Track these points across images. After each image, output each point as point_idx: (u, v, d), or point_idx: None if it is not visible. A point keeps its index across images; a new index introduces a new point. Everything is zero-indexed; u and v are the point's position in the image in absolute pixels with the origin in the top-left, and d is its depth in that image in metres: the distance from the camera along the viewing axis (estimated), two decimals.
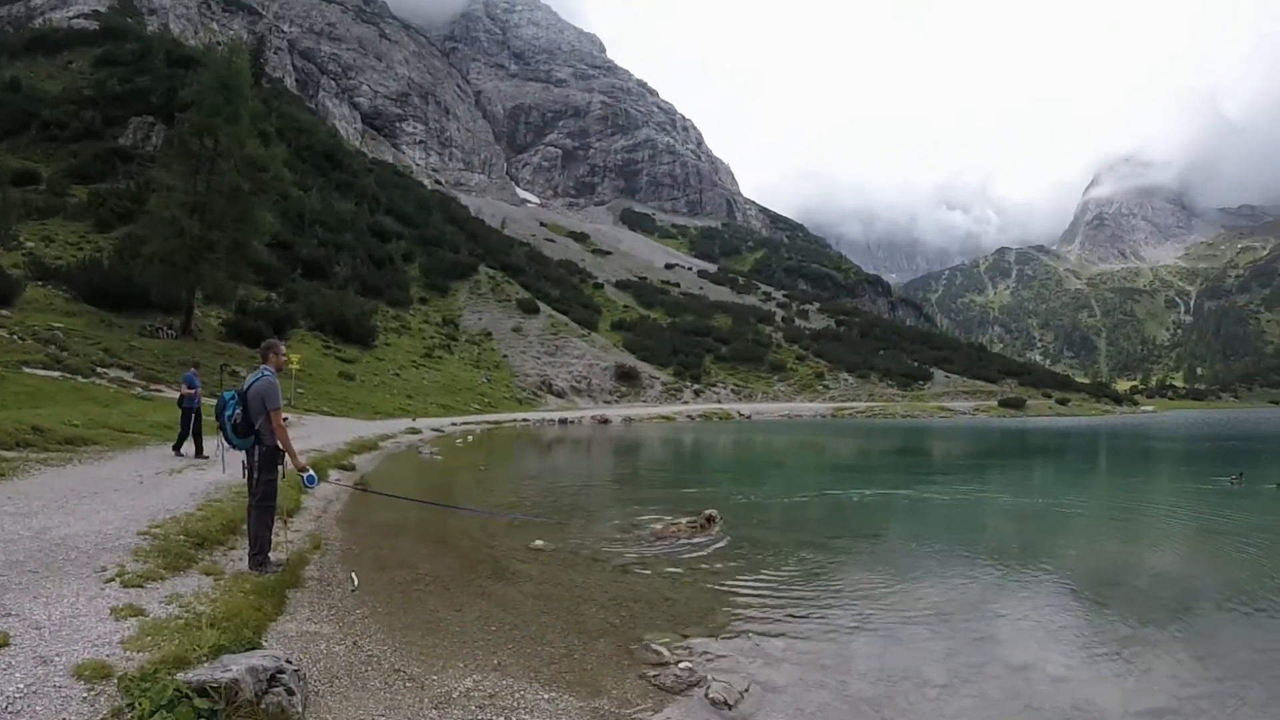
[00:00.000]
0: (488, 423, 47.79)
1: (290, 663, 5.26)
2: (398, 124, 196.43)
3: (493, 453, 31.06)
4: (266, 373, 8.25)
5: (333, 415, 38.92)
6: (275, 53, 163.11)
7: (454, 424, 43.39)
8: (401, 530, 12.37)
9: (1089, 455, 37.47)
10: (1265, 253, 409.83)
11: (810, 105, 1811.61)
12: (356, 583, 8.44)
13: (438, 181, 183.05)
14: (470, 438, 36.67)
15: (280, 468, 8.31)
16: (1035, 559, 11.77)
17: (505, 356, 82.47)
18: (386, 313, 77.35)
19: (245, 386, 8.18)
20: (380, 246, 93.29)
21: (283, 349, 8.79)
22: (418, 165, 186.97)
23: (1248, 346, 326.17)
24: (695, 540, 12.31)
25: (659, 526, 13.40)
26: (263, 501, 8.17)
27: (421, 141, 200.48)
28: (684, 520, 13.62)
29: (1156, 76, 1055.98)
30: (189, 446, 17.81)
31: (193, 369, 19.53)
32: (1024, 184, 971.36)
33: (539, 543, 11.29)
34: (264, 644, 5.90)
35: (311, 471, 8.45)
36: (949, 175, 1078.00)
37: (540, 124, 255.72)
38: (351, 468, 19.84)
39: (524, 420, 53.30)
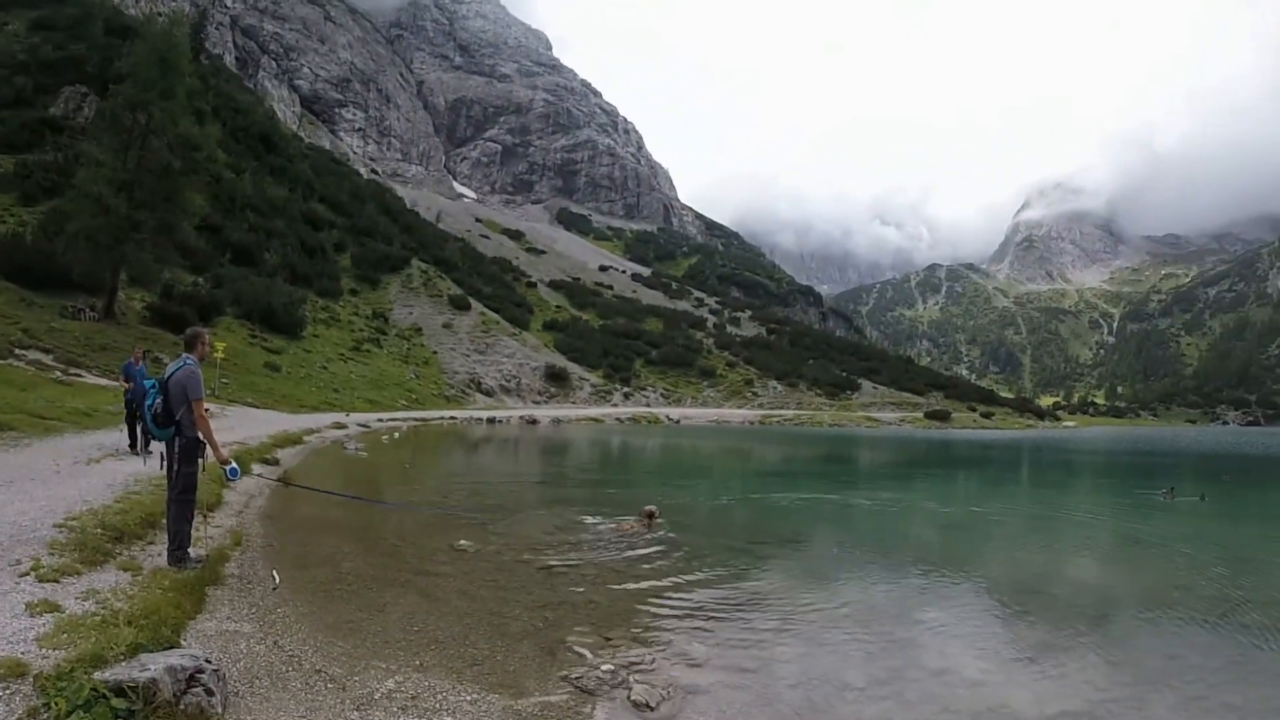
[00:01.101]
0: (415, 420, 47.36)
1: (210, 662, 5.16)
2: (337, 110, 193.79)
3: (419, 450, 30.81)
4: (189, 361, 8.00)
5: (257, 407, 38.24)
6: (217, 28, 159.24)
7: (381, 420, 42.87)
8: (325, 528, 12.12)
9: (1012, 467, 38.18)
10: (1187, 280, 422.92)
11: (752, 114, 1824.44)
12: (278, 581, 8.30)
13: (374, 171, 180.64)
14: (397, 434, 36.32)
15: (201, 460, 8.09)
16: (957, 566, 12.00)
17: (435, 353, 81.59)
18: (316, 303, 75.80)
19: (166, 375, 7.98)
20: (312, 235, 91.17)
21: (208, 338, 8.63)
22: (355, 153, 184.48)
23: (1167, 368, 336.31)
24: (639, 538, 12.60)
25: (613, 525, 13.68)
26: (182, 495, 7.94)
27: (360, 129, 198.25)
28: (632, 519, 14.03)
29: (1092, 114, 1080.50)
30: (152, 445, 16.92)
31: (137, 359, 18.13)
32: (957, 204, 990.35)
33: (464, 543, 11.17)
34: (183, 643, 5.78)
35: (234, 464, 8.32)
36: (885, 191, 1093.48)
37: (481, 118, 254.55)
38: (275, 462, 19.45)
39: (452, 418, 53.05)
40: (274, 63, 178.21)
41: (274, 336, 59.47)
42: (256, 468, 16.57)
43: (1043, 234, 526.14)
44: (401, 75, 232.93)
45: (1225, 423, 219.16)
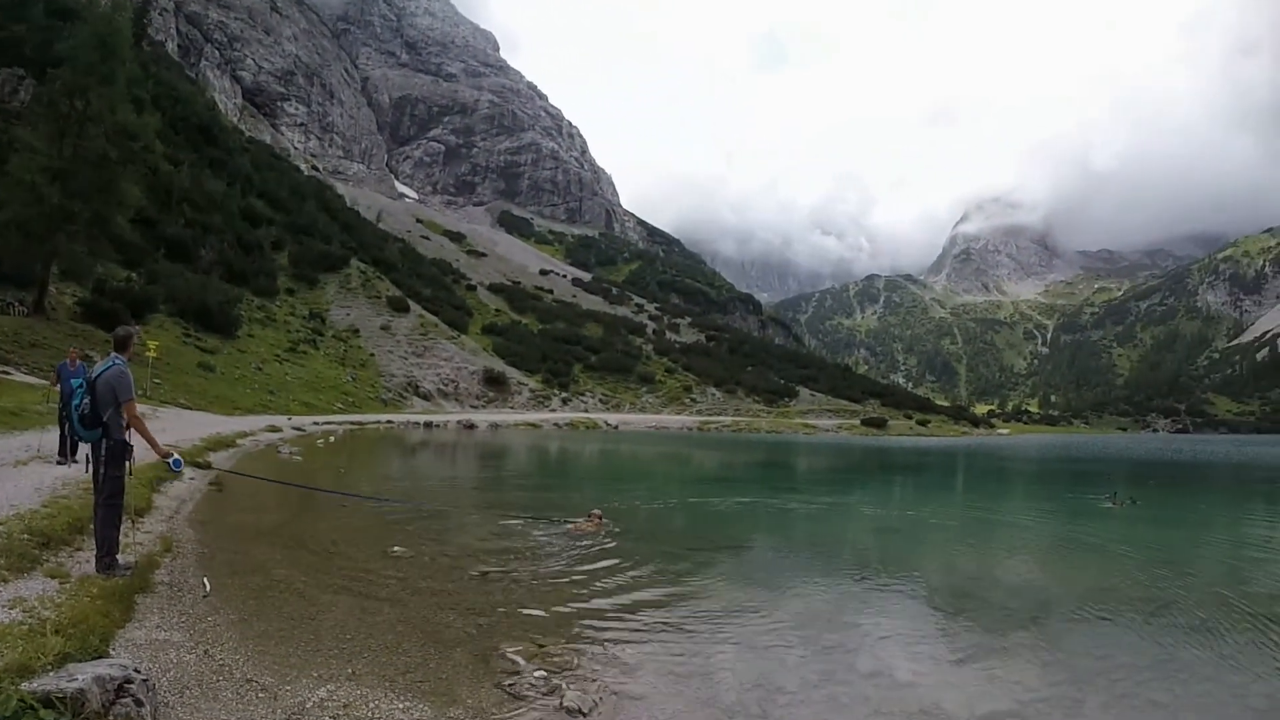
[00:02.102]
0: (351, 423, 47.07)
1: (139, 672, 5.09)
2: (279, 103, 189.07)
3: (354, 455, 30.62)
4: (118, 361, 7.83)
5: (190, 409, 37.59)
6: (160, 14, 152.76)
7: (316, 423, 42.54)
8: (256, 533, 12.05)
9: (947, 473, 38.98)
10: (1120, 294, 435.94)
11: (695, 123, 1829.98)
12: (208, 588, 8.21)
13: (315, 168, 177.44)
14: (332, 438, 36.10)
15: (128, 463, 7.94)
16: (893, 570, 12.21)
17: (372, 355, 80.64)
18: (251, 302, 74.54)
19: (94, 375, 7.81)
20: (250, 231, 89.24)
21: (136, 338, 8.46)
22: (296, 149, 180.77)
23: (1099, 378, 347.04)
24: (574, 543, 12.75)
25: (571, 526, 14.00)
26: (109, 499, 7.71)
27: (302, 124, 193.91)
28: (582, 519, 14.32)
29: (1031, 132, 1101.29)
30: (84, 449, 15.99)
31: (73, 361, 15.72)
32: (897, 215, 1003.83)
33: (398, 549, 11.17)
34: (112, 652, 5.72)
35: (177, 455, 8.31)
36: (826, 201, 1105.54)
37: (426, 117, 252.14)
38: (208, 466, 19.11)
39: (389, 422, 52.74)
40: (217, 52, 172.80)
41: (208, 336, 58.45)
42: (189, 472, 16.24)
43: (980, 247, 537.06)
44: (346, 70, 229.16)
45: (1155, 430, 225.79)
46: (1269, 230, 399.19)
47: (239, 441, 27.05)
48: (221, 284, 69.70)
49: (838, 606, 9.69)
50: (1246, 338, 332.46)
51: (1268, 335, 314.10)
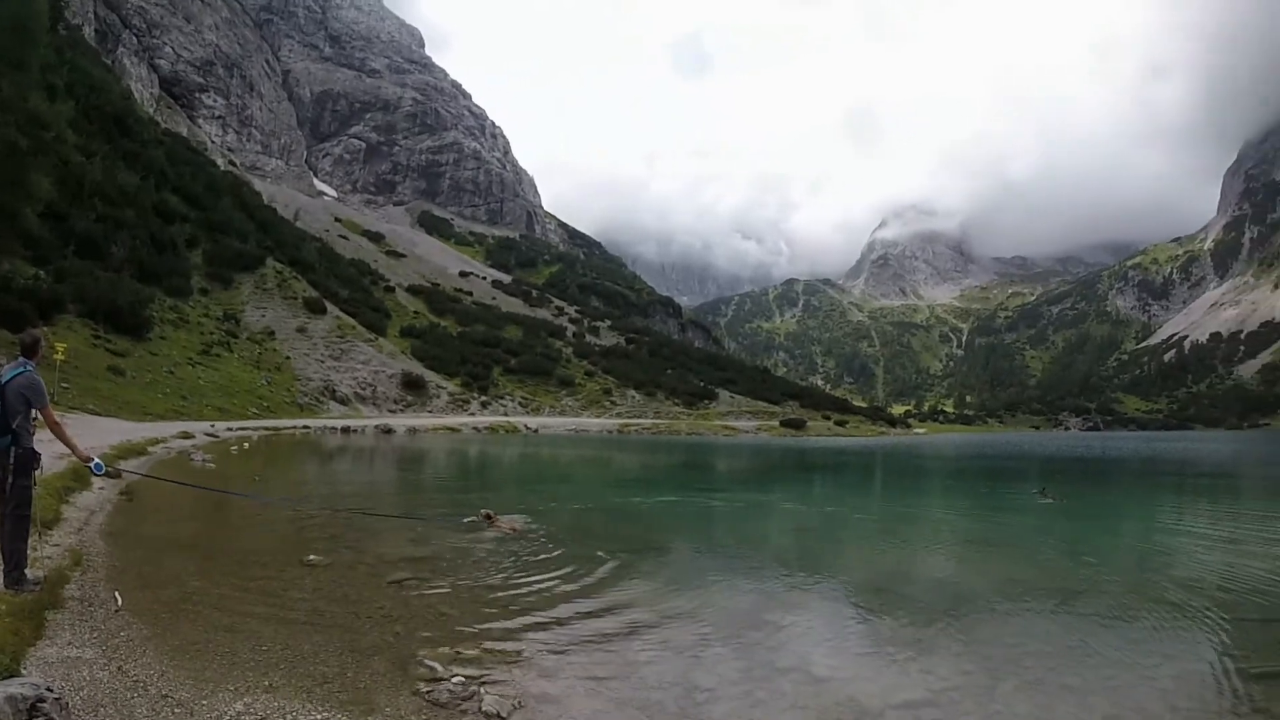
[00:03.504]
0: (266, 429, 46.51)
1: (51, 691, 5.09)
2: (198, 95, 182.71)
3: (270, 462, 30.47)
4: (29, 367, 7.69)
5: (100, 415, 36.70)
6: None
7: (230, 429, 41.92)
8: (170, 545, 11.86)
9: (865, 472, 39.91)
10: (1033, 298, 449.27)
11: (616, 126, 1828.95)
12: (120, 603, 8.00)
13: (232, 163, 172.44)
14: (247, 444, 35.60)
15: (35, 473, 7.79)
16: (812, 568, 12.57)
17: (288, 358, 78.96)
18: (164, 302, 72.34)
19: (3, 381, 7.59)
20: (163, 228, 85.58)
21: (44, 343, 8.34)
22: (213, 142, 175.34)
23: (1012, 379, 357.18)
24: (488, 546, 12.89)
25: (501, 523, 14.38)
26: (18, 510, 7.52)
27: (220, 117, 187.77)
28: (474, 518, 14.67)
29: (949, 143, 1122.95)
30: None
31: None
32: (817, 221, 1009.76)
33: (314, 558, 11.01)
34: (23, 671, 5.63)
35: (98, 459, 8.37)
36: (747, 206, 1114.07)
37: (347, 113, 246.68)
38: (118, 475, 19.06)
39: (305, 427, 52.15)
40: (135, 39, 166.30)
41: (119, 338, 56.84)
42: (99, 482, 15.89)
43: (898, 252, 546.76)
44: (268, 63, 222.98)
45: (1067, 429, 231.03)
46: (1176, 240, 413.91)
47: (151, 449, 26.53)
48: (133, 283, 67.29)
49: (758, 605, 9.86)
50: (1154, 340, 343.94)
51: (1174, 338, 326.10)
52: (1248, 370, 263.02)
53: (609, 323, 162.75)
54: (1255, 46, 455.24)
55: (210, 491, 16.88)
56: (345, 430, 53.75)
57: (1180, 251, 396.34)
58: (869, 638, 8.63)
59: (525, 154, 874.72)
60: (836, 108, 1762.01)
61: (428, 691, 6.28)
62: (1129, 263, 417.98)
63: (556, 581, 10.52)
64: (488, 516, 14.59)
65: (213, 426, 41.18)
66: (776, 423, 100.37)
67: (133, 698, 5.73)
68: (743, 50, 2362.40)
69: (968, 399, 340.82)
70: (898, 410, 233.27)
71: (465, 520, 14.82)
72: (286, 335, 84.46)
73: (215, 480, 21.21)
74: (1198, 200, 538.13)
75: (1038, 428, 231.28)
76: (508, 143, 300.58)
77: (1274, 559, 13.83)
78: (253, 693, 5.97)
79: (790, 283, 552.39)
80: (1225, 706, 6.72)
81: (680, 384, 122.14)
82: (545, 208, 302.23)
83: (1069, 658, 7.95)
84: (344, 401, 75.62)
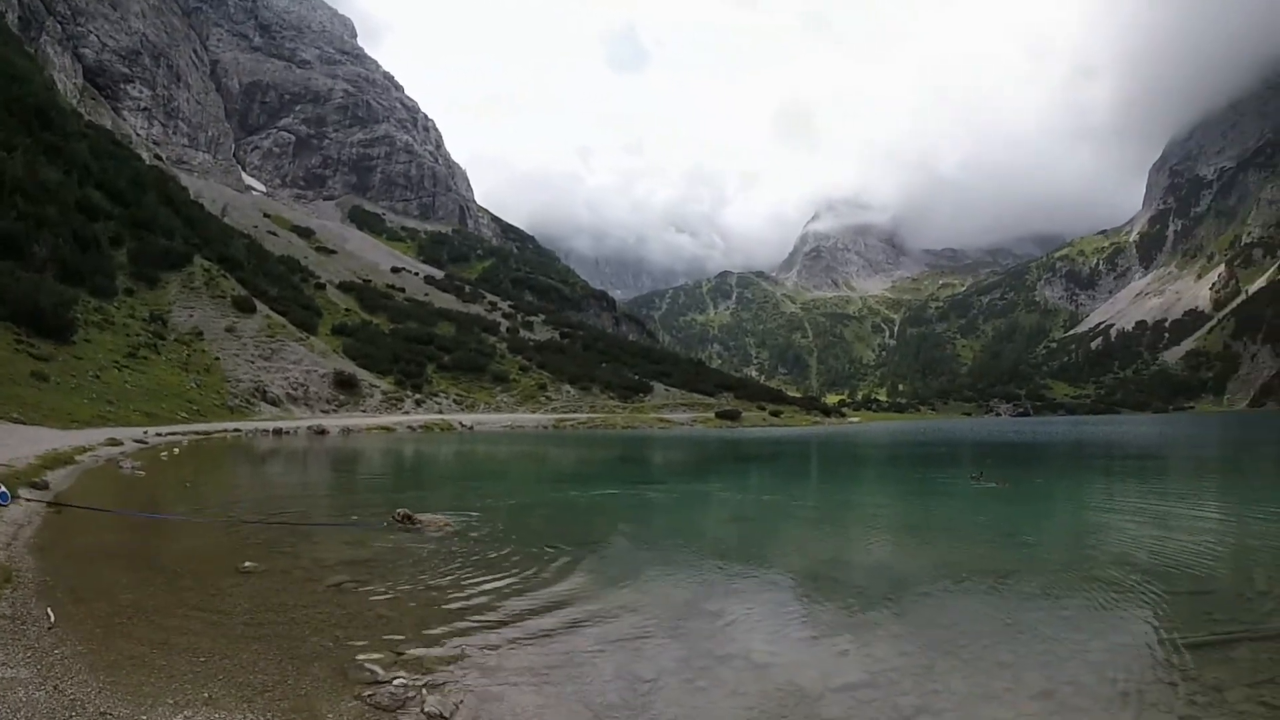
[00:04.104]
0: (196, 433, 45.49)
1: None
2: (123, 85, 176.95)
3: (201, 467, 29.96)
4: None
5: (24, 423, 35.85)
6: None
7: (159, 434, 40.90)
8: (102, 557, 11.54)
9: (801, 461, 40.20)
10: (963, 289, 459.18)
11: (552, 121, 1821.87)
12: (53, 619, 7.83)
13: (158, 157, 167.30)
14: (177, 450, 34.83)
15: None
16: (751, 557, 12.69)
17: (217, 359, 77.05)
18: (88, 304, 69.91)
19: None
20: (87, 226, 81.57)
21: None
22: (138, 135, 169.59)
23: (944, 367, 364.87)
24: (426, 547, 12.71)
25: (423, 521, 14.20)
26: None
27: (146, 109, 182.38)
28: (387, 522, 14.29)
29: (882, 138, 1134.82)
30: None
31: None
32: (750, 214, 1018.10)
33: (249, 564, 10.78)
34: None
35: (3, 488, 8.10)
36: (680, 199, 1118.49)
37: (277, 105, 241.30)
38: (45, 485, 18.07)
39: (236, 430, 51.26)
40: (59, 26, 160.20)
41: (42, 342, 54.99)
42: (25, 493, 15.43)
43: (830, 245, 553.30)
44: (195, 52, 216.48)
45: (998, 414, 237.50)
46: (1102, 232, 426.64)
47: (78, 458, 25.92)
48: (56, 284, 64.91)
49: (698, 595, 9.92)
50: (1081, 328, 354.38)
51: (1101, 326, 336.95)
52: (1172, 356, 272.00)
53: (543, 317, 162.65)
54: (1180, 49, 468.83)
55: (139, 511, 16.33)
56: (277, 432, 53.16)
57: (1106, 244, 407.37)
58: (808, 623, 8.78)
59: (458, 148, 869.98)
60: (771, 102, 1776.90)
61: (369, 695, 6.25)
62: (1057, 254, 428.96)
63: (497, 579, 10.48)
64: (406, 518, 14.22)
65: (145, 433, 40.43)
66: (712, 414, 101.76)
67: (71, 717, 5.67)
68: (678, 44, 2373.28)
69: (900, 387, 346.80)
70: (832, 400, 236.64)
71: (382, 525, 14.44)
72: (215, 335, 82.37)
73: (146, 488, 21.18)
74: (1123, 195, 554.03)
75: (969, 414, 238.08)
76: (440, 136, 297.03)
77: (1200, 534, 14.40)
78: (192, 705, 5.90)
79: (724, 275, 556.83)
80: (1156, 676, 7.01)
81: (615, 378, 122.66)
82: (478, 202, 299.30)
83: (1004, 635, 8.22)
84: (275, 403, 74.54)
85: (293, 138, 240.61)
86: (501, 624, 8.43)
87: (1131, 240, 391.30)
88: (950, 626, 8.54)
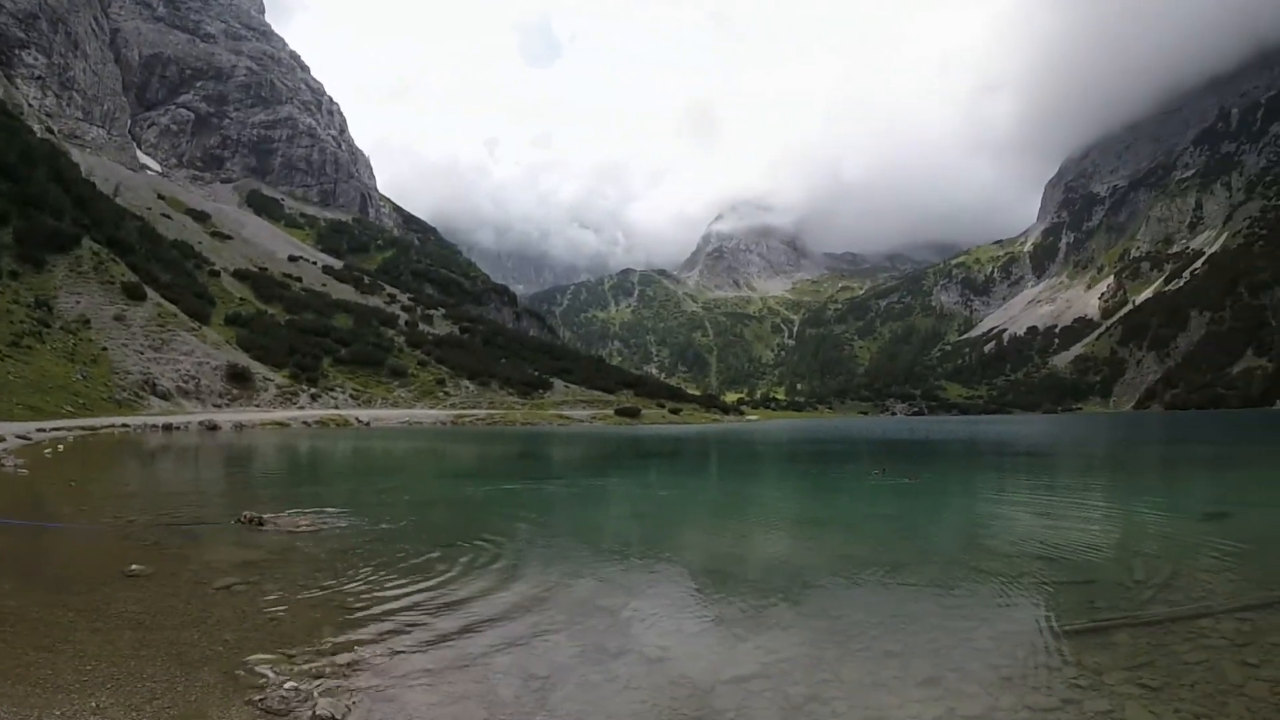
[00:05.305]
0: (83, 428, 44.61)
1: None
2: (18, 51, 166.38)
3: (88, 465, 29.32)
4: None
5: None
6: None
7: (43, 430, 40.20)
8: None
9: (701, 458, 40.70)
10: (861, 292, 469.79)
11: (459, 110, 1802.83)
12: None
13: (50, 130, 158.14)
14: (61, 446, 34.47)
15: None
16: (650, 552, 12.86)
17: (105, 349, 74.57)
18: None
19: None
20: None
21: None
22: (30, 106, 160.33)
23: (841, 368, 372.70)
24: (309, 544, 12.51)
25: (282, 521, 13.81)
26: None
27: (40, 78, 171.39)
28: (282, 518, 14.02)
29: (788, 142, 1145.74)
30: None
31: None
32: (655, 212, 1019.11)
33: (136, 567, 10.30)
34: None
35: None
36: (585, 195, 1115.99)
37: (177, 80, 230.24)
38: None
39: (124, 426, 50.32)
40: None
41: None
42: None
43: (733, 245, 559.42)
44: (96, 19, 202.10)
45: (893, 414, 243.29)
46: (998, 242, 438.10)
47: None
48: None
49: (595, 591, 9.89)
50: (976, 333, 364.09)
51: (994, 331, 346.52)
52: (1061, 361, 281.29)
53: (443, 311, 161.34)
54: (1081, 73, 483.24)
55: (15, 510, 15.71)
56: (167, 428, 52.23)
57: (1002, 253, 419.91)
58: (703, 617, 8.88)
59: (363, 133, 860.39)
60: (680, 100, 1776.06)
61: (260, 700, 6.13)
62: (954, 261, 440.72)
63: (393, 578, 10.24)
64: (251, 520, 13.63)
65: (38, 429, 39.75)
66: (611, 411, 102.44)
67: None
68: (592, 38, 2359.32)
69: (799, 387, 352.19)
70: (731, 398, 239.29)
71: (229, 525, 13.89)
72: (103, 324, 79.70)
73: (29, 487, 20.75)
74: (1020, 207, 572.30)
75: (866, 413, 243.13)
76: (345, 120, 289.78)
77: (1085, 527, 15.18)
78: (79, 715, 5.78)
79: (626, 273, 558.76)
80: (1038, 661, 7.21)
81: (515, 374, 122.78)
82: (381, 190, 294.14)
83: (893, 625, 8.37)
84: (165, 396, 73.02)
85: (192, 115, 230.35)
86: (397, 624, 8.31)
87: (1026, 250, 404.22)
88: (841, 618, 8.74)
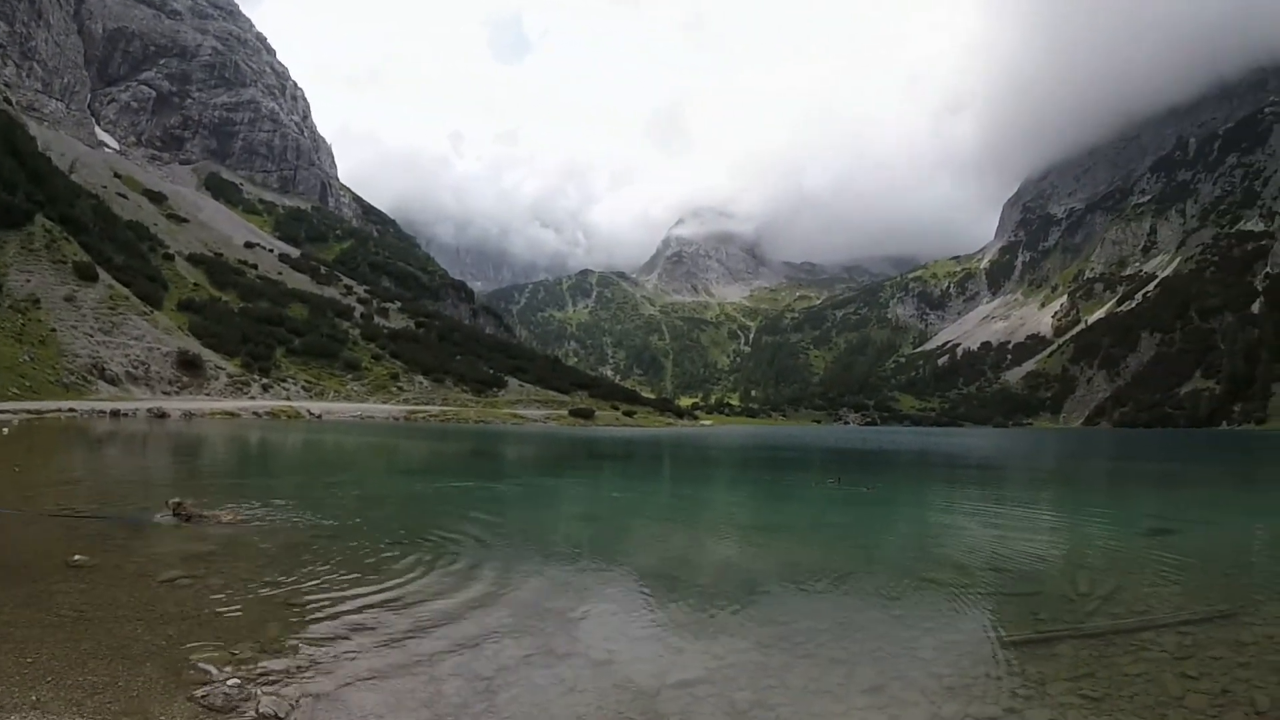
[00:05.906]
0: (28, 412, 44.38)
1: None
2: None
3: (32, 450, 29.00)
4: None
5: None
6: None
7: None
8: None
9: (654, 461, 40.62)
10: (818, 302, 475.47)
11: (424, 102, 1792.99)
12: None
13: (7, 100, 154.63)
14: (6, 430, 34.33)
15: None
16: (601, 555, 12.90)
17: (54, 331, 73.39)
18: None
19: None
20: None
21: None
22: None
23: (796, 376, 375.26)
24: (258, 540, 12.20)
25: (217, 514, 13.38)
26: None
27: (1, 46, 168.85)
28: (222, 511, 13.64)
29: (751, 150, 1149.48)
30: None
31: None
32: (616, 214, 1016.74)
33: (79, 558, 10.06)
34: None
35: None
36: (547, 194, 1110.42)
37: (140, 56, 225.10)
38: None
39: (71, 410, 49.95)
40: None
41: None
42: None
43: (692, 251, 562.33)
44: None
45: (846, 423, 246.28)
46: (955, 258, 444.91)
47: None
48: None
49: (544, 593, 9.84)
50: (930, 346, 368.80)
51: (948, 345, 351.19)
52: (1014, 376, 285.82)
53: (399, 305, 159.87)
54: (1042, 97, 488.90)
55: None
56: (115, 414, 51.88)
57: (958, 268, 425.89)
58: (651, 621, 8.83)
59: (326, 120, 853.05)
60: (647, 104, 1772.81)
61: (202, 696, 6.02)
62: (911, 275, 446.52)
63: (341, 575, 10.05)
64: (179, 509, 13.11)
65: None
66: (566, 412, 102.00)
67: None
68: (562, 36, 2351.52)
69: (753, 393, 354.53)
70: (685, 402, 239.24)
71: (156, 518, 13.35)
72: (53, 304, 78.45)
73: None
74: (978, 225, 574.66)
75: (819, 421, 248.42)
76: (308, 106, 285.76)
77: (1032, 539, 15.37)
78: (19, 710, 5.63)
79: (585, 274, 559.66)
80: (982, 671, 7.30)
81: (470, 371, 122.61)
82: (341, 179, 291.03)
83: (839, 633, 8.40)
84: (114, 382, 72.08)
85: (153, 93, 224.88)
86: (344, 622, 8.18)
87: (982, 267, 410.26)
88: (789, 624, 8.72)
